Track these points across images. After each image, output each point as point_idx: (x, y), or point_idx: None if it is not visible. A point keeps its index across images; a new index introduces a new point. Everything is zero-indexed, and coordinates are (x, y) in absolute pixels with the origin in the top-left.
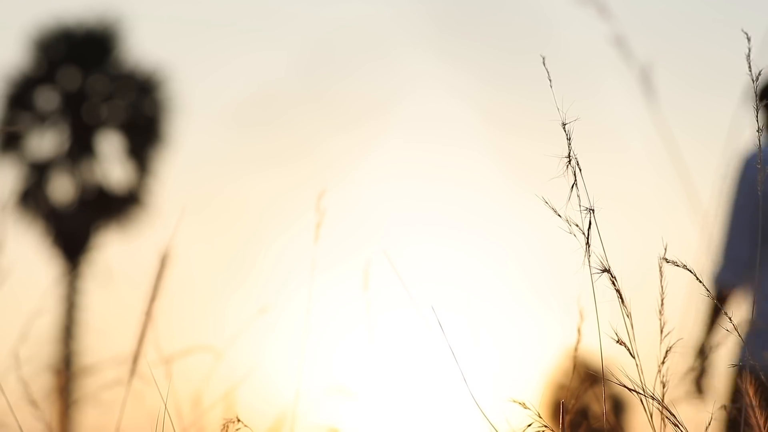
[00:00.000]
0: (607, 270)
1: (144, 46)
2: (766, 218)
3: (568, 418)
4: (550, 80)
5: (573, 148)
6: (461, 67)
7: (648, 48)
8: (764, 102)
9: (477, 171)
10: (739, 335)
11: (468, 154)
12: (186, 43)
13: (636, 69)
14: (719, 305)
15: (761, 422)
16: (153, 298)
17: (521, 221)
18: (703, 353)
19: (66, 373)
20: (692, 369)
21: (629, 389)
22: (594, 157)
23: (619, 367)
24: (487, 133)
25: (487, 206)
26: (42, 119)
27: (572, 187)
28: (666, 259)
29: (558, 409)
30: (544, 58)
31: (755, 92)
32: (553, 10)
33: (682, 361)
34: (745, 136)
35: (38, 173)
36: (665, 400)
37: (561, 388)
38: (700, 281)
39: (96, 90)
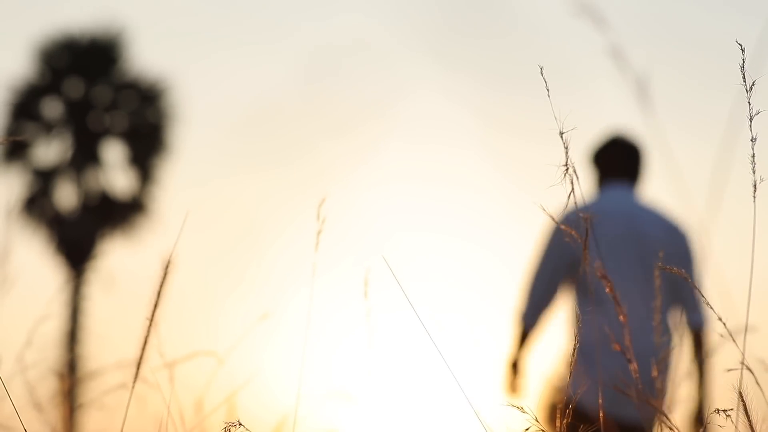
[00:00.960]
0: (604, 276)
1: (146, 56)
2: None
3: (565, 422)
4: (547, 89)
5: (570, 156)
6: (460, 75)
7: (645, 57)
8: (593, 164)
9: (477, 175)
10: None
11: (467, 159)
12: (188, 51)
13: (632, 79)
14: (523, 336)
15: None
16: (156, 304)
17: (521, 226)
18: (514, 366)
19: (71, 377)
20: (506, 375)
21: (625, 393)
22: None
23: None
24: (486, 138)
25: (488, 212)
26: (46, 128)
27: (570, 194)
28: (660, 266)
29: (555, 412)
30: (542, 68)
31: (595, 147)
32: (550, 19)
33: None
34: (739, 143)
35: (43, 181)
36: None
37: (559, 391)
38: (694, 285)
39: (100, 99)
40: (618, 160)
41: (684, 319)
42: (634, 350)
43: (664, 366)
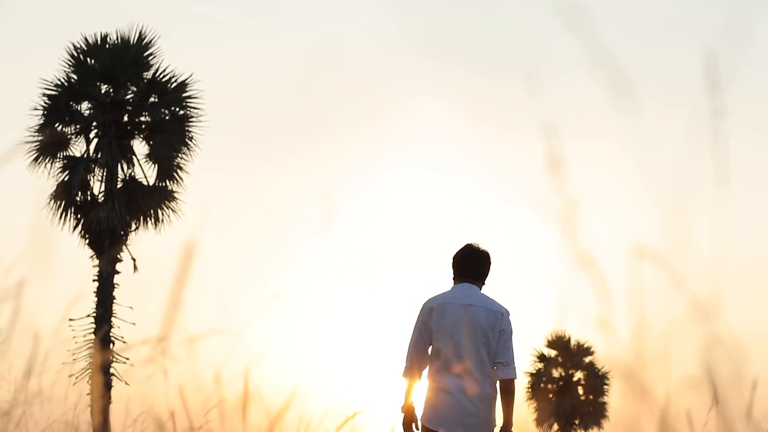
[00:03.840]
0: (589, 260)
1: (170, 55)
2: (435, 338)
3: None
4: (532, 91)
5: (558, 148)
6: (452, 71)
7: (628, 57)
8: (453, 266)
9: (469, 169)
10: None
11: (460, 152)
12: (205, 51)
13: (615, 81)
14: (410, 388)
15: None
16: (179, 286)
17: (514, 215)
18: (407, 410)
19: (102, 352)
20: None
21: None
22: (578, 154)
23: (601, 347)
24: (476, 132)
25: (481, 203)
26: (78, 125)
27: (559, 183)
28: (639, 252)
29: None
30: (528, 72)
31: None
32: (542, 28)
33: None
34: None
35: (76, 172)
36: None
37: (548, 362)
38: (672, 272)
39: (128, 96)
40: (466, 266)
41: (499, 372)
42: (466, 392)
43: (487, 400)
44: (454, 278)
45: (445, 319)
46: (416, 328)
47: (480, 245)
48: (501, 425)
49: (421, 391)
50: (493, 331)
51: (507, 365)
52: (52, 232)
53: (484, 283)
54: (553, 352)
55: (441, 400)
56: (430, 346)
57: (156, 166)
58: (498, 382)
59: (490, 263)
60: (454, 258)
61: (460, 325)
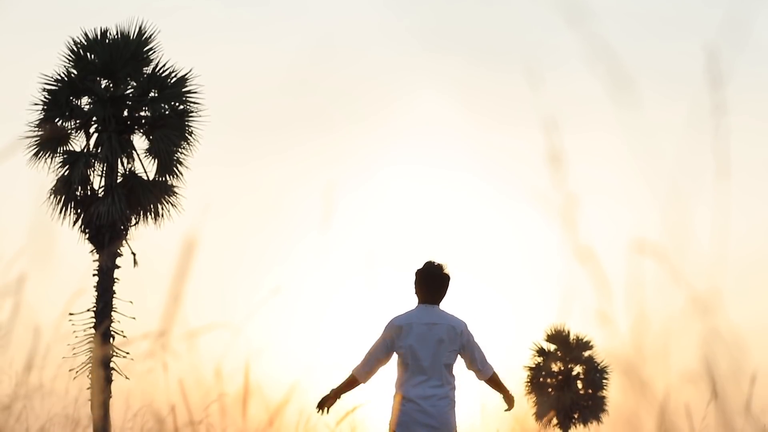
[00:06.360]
0: (589, 254)
1: (170, 50)
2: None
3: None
4: (532, 87)
5: (558, 142)
6: (453, 65)
7: (628, 52)
8: (415, 285)
9: (469, 163)
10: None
11: (460, 147)
12: (205, 46)
13: (614, 78)
14: (351, 382)
15: None
16: (180, 280)
17: (514, 210)
18: (334, 396)
19: (103, 346)
20: (326, 397)
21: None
22: (579, 149)
23: (601, 341)
24: (476, 126)
25: (481, 197)
26: (78, 120)
27: (559, 178)
28: (638, 246)
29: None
30: (529, 66)
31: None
32: (543, 24)
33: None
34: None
35: (76, 167)
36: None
37: (548, 355)
38: (670, 267)
39: (128, 92)
40: (427, 291)
41: (481, 376)
42: (429, 398)
43: (447, 405)
44: (416, 293)
45: (411, 334)
46: (381, 340)
47: (444, 268)
48: (505, 402)
49: (389, 400)
50: (453, 343)
51: (484, 367)
52: (53, 226)
53: (440, 301)
54: (552, 347)
55: (408, 406)
56: (397, 359)
57: (156, 160)
58: (485, 381)
59: (448, 284)
60: (417, 281)
61: (425, 341)
